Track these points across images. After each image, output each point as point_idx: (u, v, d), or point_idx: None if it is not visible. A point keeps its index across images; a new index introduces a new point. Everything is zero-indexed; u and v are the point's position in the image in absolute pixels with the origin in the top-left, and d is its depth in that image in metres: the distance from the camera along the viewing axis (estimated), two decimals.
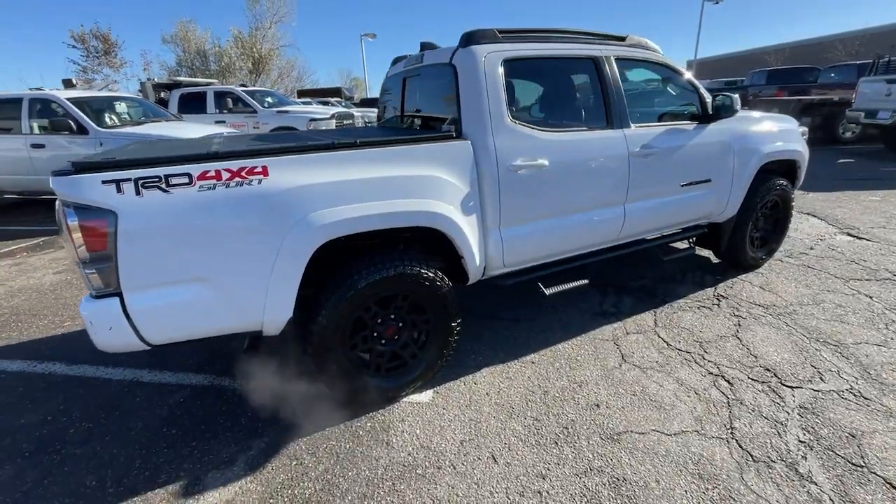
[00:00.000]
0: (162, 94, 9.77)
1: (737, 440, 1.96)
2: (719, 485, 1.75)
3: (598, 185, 2.68)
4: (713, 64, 34.57)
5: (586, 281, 2.85)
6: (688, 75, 3.12)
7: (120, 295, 1.72)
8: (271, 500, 1.77)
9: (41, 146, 6.40)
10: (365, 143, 2.04)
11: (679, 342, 2.74)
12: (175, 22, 24.57)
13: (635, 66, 2.97)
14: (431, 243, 2.31)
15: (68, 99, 6.48)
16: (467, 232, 2.27)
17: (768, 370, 2.43)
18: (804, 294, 3.29)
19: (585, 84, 2.73)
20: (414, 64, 2.87)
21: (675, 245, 3.83)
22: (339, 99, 19.05)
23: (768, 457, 1.86)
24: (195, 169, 1.73)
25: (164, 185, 1.69)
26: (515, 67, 2.46)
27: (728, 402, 2.20)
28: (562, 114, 2.86)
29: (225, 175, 1.77)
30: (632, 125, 2.77)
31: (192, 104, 9.49)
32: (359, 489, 1.81)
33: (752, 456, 1.87)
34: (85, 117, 6.37)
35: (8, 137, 6.59)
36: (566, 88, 2.80)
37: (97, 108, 6.77)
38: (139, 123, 6.89)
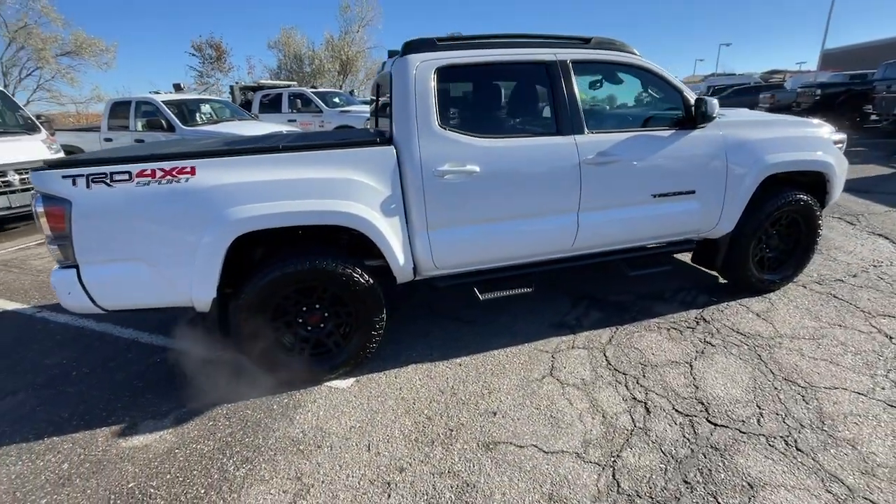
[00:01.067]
0: (248, 96, 11.06)
1: (614, 469, 1.85)
2: (579, 502, 1.69)
3: (541, 192, 2.62)
4: (844, 55, 29.47)
5: (529, 289, 2.80)
6: (670, 78, 2.87)
7: (76, 267, 2.15)
8: (176, 450, 2.09)
9: (141, 141, 7.68)
10: (287, 148, 2.27)
11: (621, 363, 2.58)
12: (280, 29, 27.40)
13: (603, 69, 2.83)
14: (360, 242, 2.47)
15: (163, 101, 7.69)
16: (387, 233, 2.39)
17: (702, 403, 2.21)
18: (806, 326, 2.86)
19: (533, 90, 2.68)
20: (380, 71, 3.04)
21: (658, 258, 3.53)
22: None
23: (636, 491, 1.74)
24: (134, 168, 2.09)
25: (108, 181, 2.07)
26: (452, 75, 2.52)
27: (631, 431, 2.06)
28: (503, 120, 2.83)
29: (158, 173, 2.11)
30: (587, 131, 2.66)
31: (271, 105, 10.61)
32: (245, 453, 2.05)
33: (619, 487, 1.77)
34: (173, 117, 7.51)
35: (121, 133, 8.03)
36: (510, 94, 2.76)
37: (186, 109, 7.94)
38: (216, 122, 7.93)
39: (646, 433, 2.04)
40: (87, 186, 2.06)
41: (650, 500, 1.71)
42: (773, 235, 3.29)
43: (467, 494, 1.77)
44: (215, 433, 2.19)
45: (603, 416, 2.16)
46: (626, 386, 2.38)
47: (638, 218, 2.87)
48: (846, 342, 2.66)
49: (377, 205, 2.37)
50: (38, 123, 7.19)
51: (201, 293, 2.24)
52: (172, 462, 2.02)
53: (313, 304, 2.48)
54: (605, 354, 2.68)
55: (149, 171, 2.10)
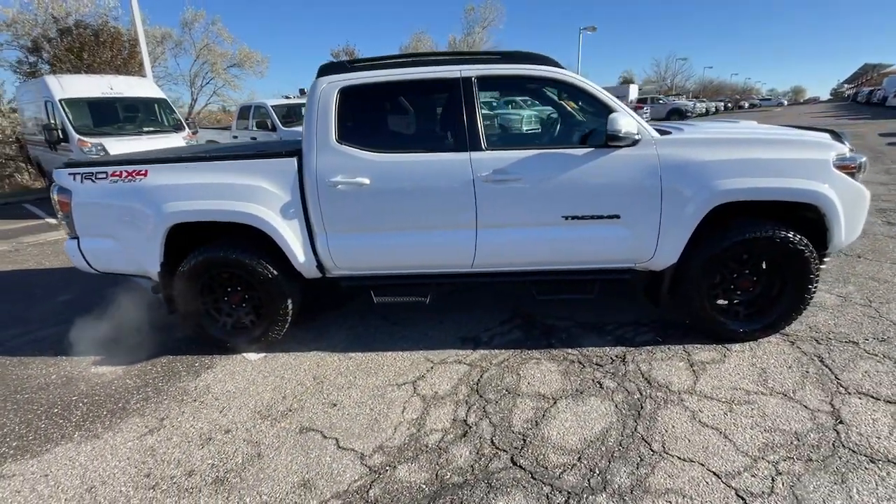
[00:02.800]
0: None
1: (378, 476, 1.93)
2: (319, 493, 1.86)
3: (431, 206, 2.70)
4: None
5: (423, 299, 2.90)
6: (597, 94, 2.63)
7: (77, 239, 3.00)
8: (115, 381, 2.79)
9: (255, 139, 9.35)
10: (212, 157, 2.80)
11: (488, 386, 2.52)
12: (410, 35, 29.52)
13: (517, 83, 2.73)
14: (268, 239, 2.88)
15: (271, 105, 9.23)
16: (285, 232, 2.76)
17: (524, 441, 2.09)
18: (736, 388, 2.37)
19: (433, 107, 2.73)
20: None
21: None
22: (526, 98, 19.53)
23: (378, 502, 1.82)
24: (110, 169, 2.84)
25: (93, 178, 2.85)
26: (355, 95, 2.75)
27: (428, 448, 2.08)
28: (399, 136, 2.92)
29: (124, 174, 2.82)
30: (485, 148, 2.63)
31: None
32: (149, 393, 2.64)
33: (368, 492, 1.86)
34: (276, 119, 8.97)
35: (244, 132, 9.88)
36: (410, 111, 2.84)
37: (288, 112, 9.40)
38: None
39: (440, 453, 2.05)
40: (81, 182, 2.87)
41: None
42: (745, 275, 2.75)
43: (252, 462, 2.06)
44: (147, 374, 2.85)
45: (417, 429, 2.21)
46: (469, 407, 2.36)
47: (547, 240, 2.72)
48: (769, 415, 2.16)
49: (277, 208, 2.75)
50: (184, 124, 9.29)
51: (150, 266, 2.91)
52: (105, 388, 2.72)
53: (235, 287, 2.99)
54: (482, 375, 2.64)
55: (118, 172, 2.83)
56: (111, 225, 2.90)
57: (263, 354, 3.02)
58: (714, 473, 1.85)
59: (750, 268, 2.74)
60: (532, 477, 1.89)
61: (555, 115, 2.96)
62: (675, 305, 2.85)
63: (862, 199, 2.59)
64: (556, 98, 3.12)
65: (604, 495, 1.78)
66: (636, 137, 2.54)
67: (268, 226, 2.73)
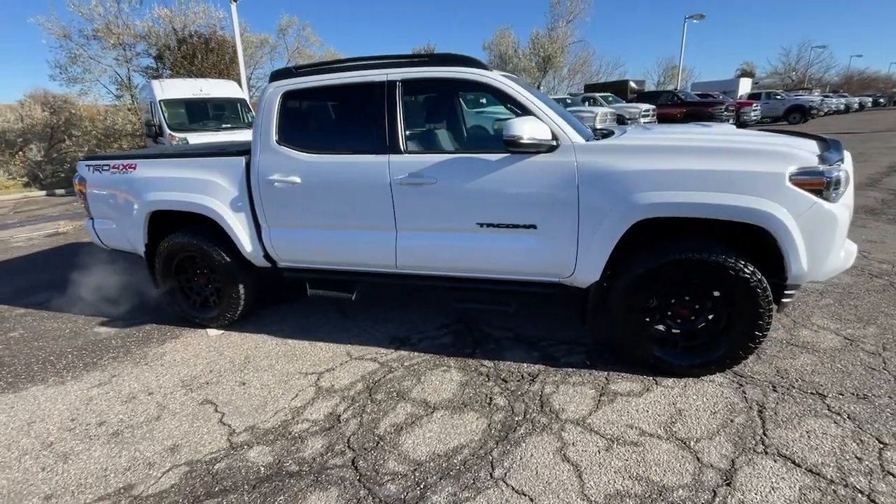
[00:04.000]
0: None
1: (240, 454, 2.10)
2: (177, 458, 2.08)
3: (354, 207, 2.79)
4: None
5: (350, 296, 3.00)
6: (520, 98, 2.48)
7: (92, 219, 3.61)
8: (104, 337, 3.33)
9: None
10: (179, 154, 3.19)
11: (382, 386, 2.56)
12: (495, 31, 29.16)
13: (441, 86, 2.68)
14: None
15: None
16: (235, 224, 3.05)
17: (378, 442, 2.10)
18: (639, 423, 2.11)
19: (362, 110, 2.79)
20: None
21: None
22: (608, 94, 18.39)
23: (190, 473, 1.98)
24: (112, 162, 3.38)
25: (100, 170, 3.41)
26: (295, 98, 2.93)
27: (293, 437, 2.19)
28: (331, 138, 2.98)
29: (120, 167, 3.34)
30: (404, 151, 2.64)
31: None
32: (114, 354, 3.12)
33: (225, 456, 2.03)
34: None
35: None
36: (342, 114, 2.91)
37: None
38: None
39: (296, 442, 2.15)
40: (93, 172, 3.45)
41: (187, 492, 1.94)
42: (685, 303, 2.41)
43: (149, 423, 2.35)
44: (128, 337, 3.35)
45: (292, 417, 2.34)
46: (351, 404, 2.41)
47: (463, 247, 2.66)
48: (647, 462, 1.90)
49: (228, 201, 3.05)
50: None
51: (139, 246, 3.41)
52: (94, 345, 3.26)
53: (202, 269, 3.37)
54: (385, 375, 2.67)
55: (116, 165, 3.35)
56: (112, 209, 3.45)
57: (221, 332, 3.37)
58: (520, 493, 1.71)
59: (690, 294, 2.40)
60: (358, 480, 1.92)
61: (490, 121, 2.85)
62: (605, 327, 2.60)
63: (829, 222, 2.12)
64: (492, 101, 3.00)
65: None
66: (551, 143, 2.37)
67: (219, 217, 3.05)
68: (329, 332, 3.26)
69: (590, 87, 23.16)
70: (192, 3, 14.45)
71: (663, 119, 17.70)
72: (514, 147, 2.32)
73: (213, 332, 3.38)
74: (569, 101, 16.60)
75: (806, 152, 2.16)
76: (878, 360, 2.53)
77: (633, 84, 22.00)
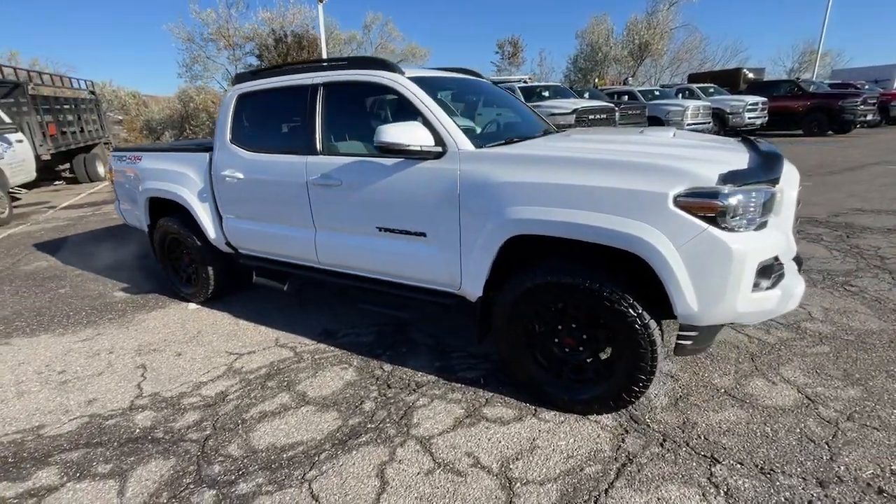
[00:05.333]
0: None
1: (129, 416, 2.41)
2: (89, 408, 2.46)
3: (281, 204, 2.96)
4: None
5: (282, 286, 3.20)
6: (415, 101, 2.40)
7: (118, 201, 4.29)
8: (114, 301, 3.98)
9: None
10: (167, 149, 3.64)
11: (276, 376, 2.70)
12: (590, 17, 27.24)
13: (357, 90, 2.69)
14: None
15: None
16: (199, 211, 3.42)
17: (235, 427, 2.25)
18: (475, 451, 1.97)
19: (292, 111, 2.91)
20: None
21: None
22: (709, 86, 16.29)
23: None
24: (129, 154, 3.98)
25: (122, 160, 4.04)
26: (248, 100, 3.17)
27: (177, 408, 2.44)
28: (269, 138, 3.11)
29: (133, 158, 3.92)
30: (320, 152, 2.73)
31: None
32: (111, 316, 3.70)
33: (117, 416, 2.36)
34: None
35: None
36: (279, 115, 3.04)
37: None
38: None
39: (175, 413, 2.39)
40: (118, 162, 4.10)
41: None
42: (572, 331, 2.17)
43: (91, 377, 2.79)
44: (132, 304, 3.96)
45: (189, 390, 2.59)
46: (241, 388, 2.60)
47: (366, 248, 2.69)
48: (456, 494, 1.78)
49: (196, 192, 3.43)
50: None
51: (143, 226, 3.99)
52: (107, 307, 3.90)
53: (184, 250, 3.83)
54: (290, 364, 2.82)
55: (129, 157, 3.95)
56: (127, 194, 4.08)
57: (198, 307, 3.81)
58: None
59: (577, 324, 2.15)
60: (198, 456, 2.09)
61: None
62: (495, 344, 2.45)
63: (721, 255, 1.74)
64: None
65: (211, 491, 1.87)
66: (435, 150, 2.28)
67: (189, 205, 3.44)
68: (276, 318, 3.51)
69: (694, 77, 20.66)
70: (290, 5, 15.95)
71: (777, 114, 15.23)
72: (386, 152, 2.27)
73: (192, 306, 3.84)
74: (657, 92, 15.06)
75: (708, 170, 1.79)
76: (827, 431, 2.02)
77: (747, 73, 19.15)
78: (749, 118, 14.57)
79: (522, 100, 10.50)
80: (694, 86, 16.14)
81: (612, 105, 10.09)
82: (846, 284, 3.54)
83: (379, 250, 2.64)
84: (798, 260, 2.25)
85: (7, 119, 8.49)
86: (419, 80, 2.55)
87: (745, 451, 1.93)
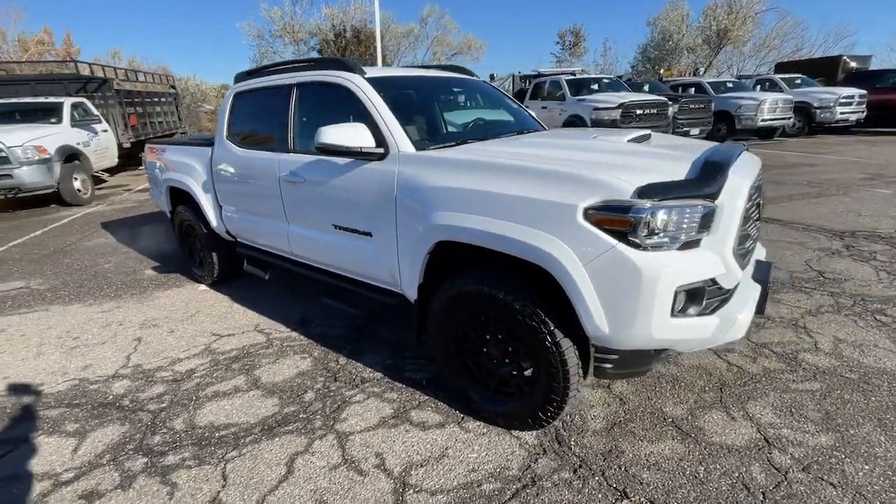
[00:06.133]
0: (526, 84, 12.31)
1: (109, 383, 2.71)
2: (82, 373, 2.80)
3: (261, 198, 3.14)
4: None
5: (264, 275, 3.39)
6: (364, 101, 2.42)
7: (153, 188, 4.76)
8: (140, 279, 4.44)
9: (545, 107, 10.59)
10: (183, 143, 3.97)
11: (243, 359, 2.88)
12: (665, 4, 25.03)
13: (321, 90, 2.75)
14: None
15: (565, 80, 10.39)
16: (203, 201, 3.72)
17: (188, 403, 2.45)
18: (385, 452, 1.98)
19: (273, 110, 3.04)
20: None
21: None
22: (796, 76, 14.50)
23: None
24: (156, 147, 4.39)
25: (153, 152, 4.47)
26: (242, 99, 3.37)
27: (152, 380, 2.70)
28: (254, 135, 3.25)
29: (161, 150, 4.33)
30: (290, 150, 2.85)
31: (537, 91, 11.47)
32: (134, 291, 4.14)
33: (101, 382, 2.67)
34: (567, 90, 9.98)
35: (535, 102, 11.13)
36: (263, 113, 3.17)
37: (579, 84, 10.45)
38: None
39: (148, 383, 2.65)
40: (150, 153, 4.54)
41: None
42: (498, 342, 2.09)
43: (96, 345, 3.16)
44: (155, 282, 4.40)
45: (167, 365, 2.85)
46: (210, 367, 2.81)
47: (325, 244, 2.79)
48: (351, 493, 1.81)
49: (200, 182, 3.72)
50: None
51: (165, 209, 4.41)
52: (135, 283, 4.37)
53: (196, 237, 4.17)
54: (260, 350, 2.99)
55: (156, 149, 4.36)
56: (155, 182, 4.51)
57: (206, 288, 4.15)
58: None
59: (503, 334, 2.07)
60: (147, 425, 2.30)
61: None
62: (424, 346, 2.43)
63: (631, 274, 1.59)
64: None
65: (143, 458, 2.06)
66: (376, 151, 2.29)
67: (195, 195, 3.75)
68: (266, 306, 3.72)
69: (782, 67, 18.47)
70: (351, 0, 16.51)
71: (878, 108, 13.27)
72: (325, 153, 2.32)
73: (202, 287, 4.19)
74: (729, 84, 13.70)
75: (625, 181, 1.64)
76: (770, 480, 1.79)
77: (847, 61, 16.79)
78: (841, 113, 12.85)
79: (568, 93, 10.19)
80: (777, 76, 14.47)
81: (665, 99, 9.35)
82: (879, 313, 3.06)
83: (335, 247, 2.71)
84: (763, 284, 2.00)
85: (95, 111, 9.68)
86: (376, 80, 2.56)
87: (663, 490, 1.77)
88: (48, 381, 2.77)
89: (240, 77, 3.46)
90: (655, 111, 9.06)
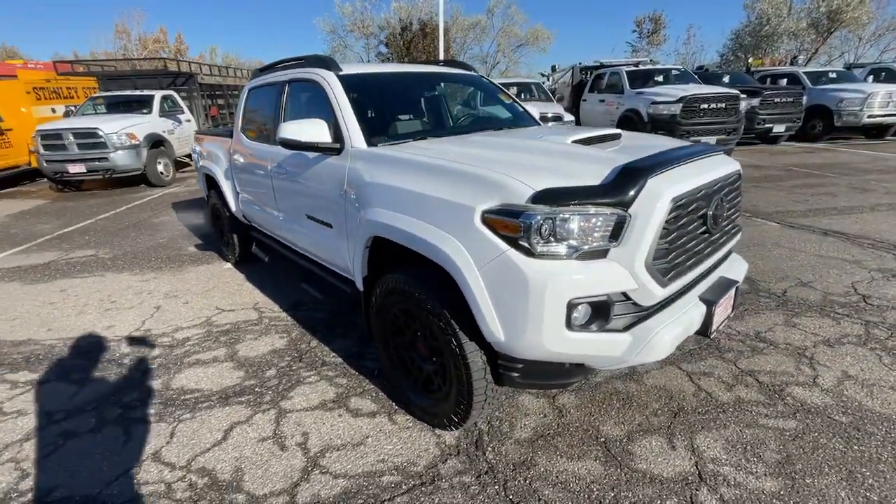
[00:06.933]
0: (585, 77, 11.68)
1: (122, 345, 3.11)
2: (103, 334, 3.25)
3: (260, 186, 3.38)
4: None
5: (265, 258, 3.66)
6: (330, 96, 2.51)
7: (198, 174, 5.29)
8: (166, 253, 5.00)
9: (602, 101, 10.46)
10: (213, 133, 4.37)
11: (231, 333, 3.15)
12: None
13: (306, 86, 2.87)
14: None
15: (626, 71, 10.17)
16: (225, 187, 4.09)
17: (173, 367, 2.76)
18: (332, 441, 2.09)
19: (273, 104, 3.23)
20: None
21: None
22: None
23: None
24: (199, 136, 4.87)
25: (199, 139, 4.97)
26: (253, 93, 3.63)
27: (150, 344, 3.06)
28: (259, 128, 3.44)
29: (201, 139, 4.80)
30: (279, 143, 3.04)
31: (596, 83, 10.86)
32: (173, 267, 4.66)
33: (113, 344, 3.09)
34: (626, 82, 9.75)
35: (594, 95, 11.05)
36: (266, 108, 3.35)
37: (643, 76, 10.09)
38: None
39: (145, 347, 3.01)
40: (196, 141, 5.06)
41: None
42: (426, 337, 2.11)
43: (114, 310, 3.64)
44: (194, 257, 4.91)
45: (169, 331, 3.20)
46: (204, 337, 3.12)
47: (300, 231, 2.97)
48: (265, 466, 1.95)
49: (223, 170, 4.09)
50: None
51: (204, 194, 4.89)
52: (175, 257, 4.93)
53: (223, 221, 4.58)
54: (249, 326, 3.26)
55: (199, 138, 4.84)
56: (198, 168, 5.02)
57: (230, 267, 4.57)
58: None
59: (425, 332, 2.07)
60: (132, 381, 2.64)
61: None
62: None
63: (518, 282, 1.52)
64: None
65: (118, 409, 2.37)
66: (333, 146, 2.38)
67: (217, 179, 4.13)
68: (271, 286, 4.01)
69: None
70: None
71: None
72: (286, 147, 2.45)
73: (227, 265, 4.61)
74: (832, 75, 11.94)
75: (526, 184, 1.57)
76: None
77: None
78: None
79: (627, 86, 9.56)
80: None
81: (736, 92, 8.39)
82: None
83: (307, 235, 2.88)
84: (709, 304, 1.80)
85: (181, 103, 10.88)
86: (347, 78, 2.65)
87: None
88: (77, 335, 3.26)
89: (255, 74, 3.73)
90: (724, 105, 8.17)
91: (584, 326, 1.59)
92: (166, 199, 8.16)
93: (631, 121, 8.98)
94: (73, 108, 10.44)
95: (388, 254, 2.15)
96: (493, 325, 1.63)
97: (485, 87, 3.40)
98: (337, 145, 2.39)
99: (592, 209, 1.52)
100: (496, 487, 1.81)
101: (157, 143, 9.40)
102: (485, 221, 1.61)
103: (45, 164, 8.58)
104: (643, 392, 2.34)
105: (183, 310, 3.61)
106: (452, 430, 2.09)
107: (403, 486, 1.83)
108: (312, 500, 1.79)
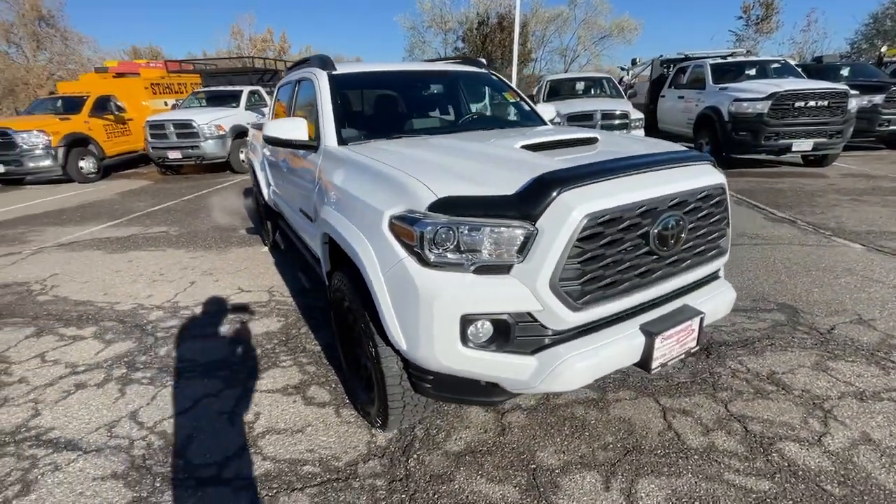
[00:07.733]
0: (667, 71, 10.63)
1: (150, 312, 3.54)
2: (128, 303, 3.73)
3: (278, 178, 3.61)
4: None
5: (281, 245, 3.91)
6: (317, 95, 2.60)
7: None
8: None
9: (681, 97, 9.93)
10: (254, 126, 4.73)
11: (233, 312, 3.42)
12: None
13: (306, 85, 2.99)
14: None
15: (710, 65, 9.44)
16: (259, 177, 4.44)
17: (175, 337, 3.08)
18: (297, 427, 2.22)
19: (289, 101, 3.41)
20: None
21: None
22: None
23: None
24: (251, 129, 5.32)
25: (254, 133, 5.43)
26: (281, 90, 3.87)
27: (157, 317, 3.44)
28: None
29: (253, 132, 5.24)
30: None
31: (677, 78, 9.87)
32: (219, 248, 5.17)
33: (133, 311, 3.53)
34: (709, 77, 9.09)
35: (673, 91, 10.47)
36: (286, 105, 3.52)
37: (721, 71, 9.12)
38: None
39: (166, 318, 3.38)
40: (252, 136, 5.53)
41: None
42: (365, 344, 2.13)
43: (159, 283, 4.12)
44: (241, 238, 5.41)
45: (174, 303, 3.57)
46: (209, 312, 3.43)
47: (298, 223, 3.11)
48: (214, 439, 2.10)
49: (258, 161, 4.43)
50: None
51: (252, 178, 5.34)
52: (223, 238, 5.46)
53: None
54: (257, 308, 3.51)
55: (246, 130, 5.28)
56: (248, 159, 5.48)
57: (266, 250, 4.95)
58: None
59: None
60: (138, 344, 2.99)
61: None
62: None
63: (410, 291, 1.47)
64: None
65: (122, 370, 2.71)
66: (310, 143, 2.47)
67: (255, 170, 4.49)
68: (290, 272, 4.27)
69: None
70: None
71: None
72: (270, 144, 2.58)
73: (263, 249, 5.01)
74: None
75: (430, 192, 1.51)
76: None
77: None
78: None
79: (710, 80, 8.60)
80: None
81: (845, 88, 7.08)
82: None
83: (301, 226, 3.03)
84: (649, 336, 1.60)
85: (266, 97, 11.92)
86: (337, 77, 2.72)
87: None
88: (123, 301, 3.77)
89: (287, 71, 3.98)
90: (826, 103, 6.97)
91: (485, 345, 1.50)
92: (241, 185, 9.01)
93: (710, 120, 8.05)
94: (178, 102, 11.96)
95: (340, 251, 2.20)
96: (396, 333, 1.60)
97: (494, 85, 3.29)
98: (314, 143, 2.48)
99: (492, 221, 1.42)
100: (402, 496, 1.78)
101: (241, 133, 10.40)
102: (391, 227, 1.58)
103: (151, 151, 9.95)
104: (602, 422, 2.14)
105: (211, 287, 3.99)
106: (383, 430, 2.09)
107: (317, 479, 1.88)
108: (235, 476, 1.91)
